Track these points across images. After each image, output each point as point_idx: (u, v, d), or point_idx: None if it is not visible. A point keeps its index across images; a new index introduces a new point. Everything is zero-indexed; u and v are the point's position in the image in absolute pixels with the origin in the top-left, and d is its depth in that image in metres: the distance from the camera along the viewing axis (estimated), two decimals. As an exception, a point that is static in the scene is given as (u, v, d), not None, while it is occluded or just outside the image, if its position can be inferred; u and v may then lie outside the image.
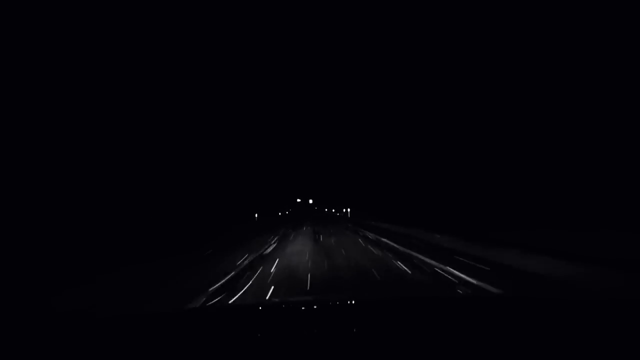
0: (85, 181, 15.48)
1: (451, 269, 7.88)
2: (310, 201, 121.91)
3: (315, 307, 1.84)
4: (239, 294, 6.00)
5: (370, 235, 18.13)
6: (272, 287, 6.45)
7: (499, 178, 19.78)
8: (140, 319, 1.56)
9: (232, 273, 7.86)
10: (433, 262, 8.94)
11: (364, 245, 13.61)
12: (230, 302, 5.54)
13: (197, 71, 34.08)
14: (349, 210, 53.29)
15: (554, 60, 16.71)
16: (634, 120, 14.00)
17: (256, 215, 37.13)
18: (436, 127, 27.93)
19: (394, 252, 11.24)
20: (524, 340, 1.10)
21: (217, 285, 6.61)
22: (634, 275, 6.72)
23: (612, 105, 14.87)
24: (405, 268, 8.30)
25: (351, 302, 1.91)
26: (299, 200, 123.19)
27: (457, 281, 6.75)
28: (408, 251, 11.37)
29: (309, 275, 7.49)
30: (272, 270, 8.23)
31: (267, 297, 5.73)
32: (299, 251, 11.83)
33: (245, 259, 10.05)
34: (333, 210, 73.24)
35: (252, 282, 7.00)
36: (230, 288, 6.43)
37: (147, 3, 21.03)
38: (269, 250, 12.39)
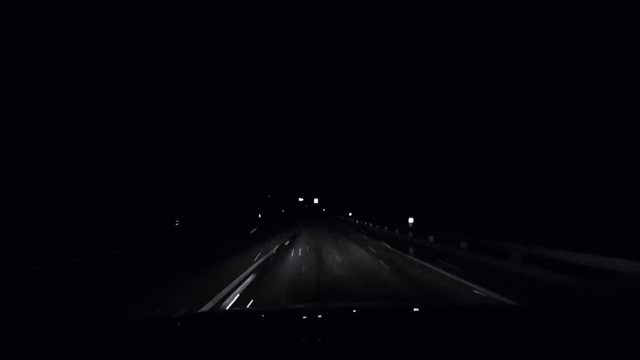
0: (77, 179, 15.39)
1: None
2: (316, 200, 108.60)
3: (319, 316, 1.77)
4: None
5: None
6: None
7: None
8: (129, 325, 1.48)
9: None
10: None
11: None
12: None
13: (204, 71, 33.97)
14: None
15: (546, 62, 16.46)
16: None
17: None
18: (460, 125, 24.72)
19: None
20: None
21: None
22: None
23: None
24: None
25: (355, 310, 1.83)
26: (301, 199, 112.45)
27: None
28: None
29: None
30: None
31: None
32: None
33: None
34: (349, 215, 47.75)
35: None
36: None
37: (147, 3, 21.03)
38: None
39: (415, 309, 1.90)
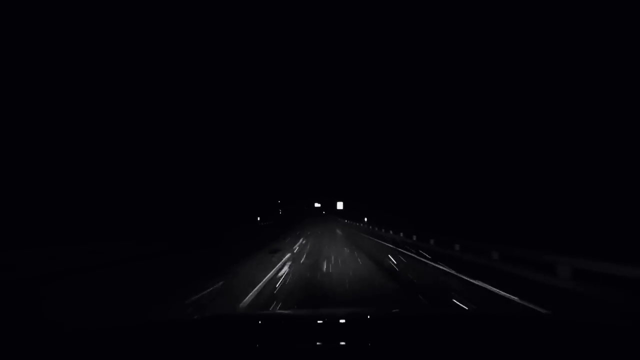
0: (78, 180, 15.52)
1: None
2: (340, 205, 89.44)
3: (342, 320, 1.76)
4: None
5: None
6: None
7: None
8: (135, 330, 1.48)
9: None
10: None
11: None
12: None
13: (209, 71, 33.76)
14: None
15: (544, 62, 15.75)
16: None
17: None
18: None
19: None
20: None
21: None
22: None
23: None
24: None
25: (366, 317, 1.84)
26: (317, 205, 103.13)
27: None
28: None
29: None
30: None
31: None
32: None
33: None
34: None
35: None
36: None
37: (147, 3, 20.75)
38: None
39: (433, 316, 1.89)
